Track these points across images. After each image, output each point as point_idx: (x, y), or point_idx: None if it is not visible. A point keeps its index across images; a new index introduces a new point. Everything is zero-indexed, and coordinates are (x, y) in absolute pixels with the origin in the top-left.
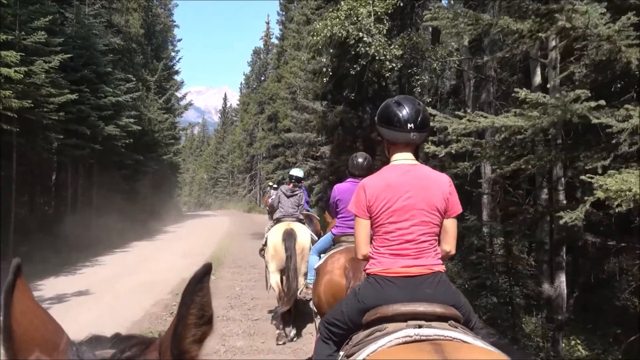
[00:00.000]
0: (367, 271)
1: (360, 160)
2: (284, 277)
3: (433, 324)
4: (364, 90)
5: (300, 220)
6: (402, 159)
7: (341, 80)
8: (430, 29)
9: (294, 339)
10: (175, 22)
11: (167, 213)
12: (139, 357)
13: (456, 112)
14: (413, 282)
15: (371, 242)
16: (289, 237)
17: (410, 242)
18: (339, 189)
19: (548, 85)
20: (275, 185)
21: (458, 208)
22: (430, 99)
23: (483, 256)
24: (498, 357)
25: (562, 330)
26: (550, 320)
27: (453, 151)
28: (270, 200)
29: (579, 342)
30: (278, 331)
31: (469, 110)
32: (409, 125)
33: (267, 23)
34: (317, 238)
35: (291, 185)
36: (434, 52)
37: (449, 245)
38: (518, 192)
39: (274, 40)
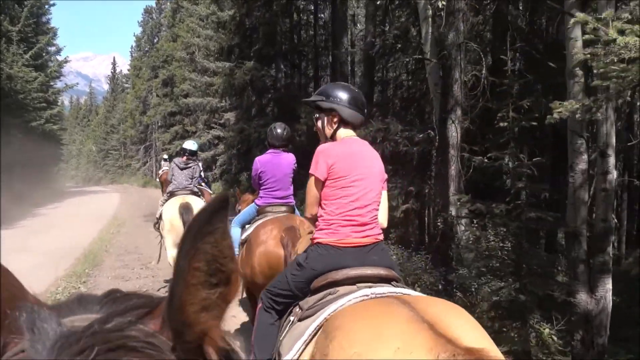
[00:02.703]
0: (318, 240)
1: (279, 130)
2: None
3: (379, 285)
4: (278, 43)
5: (195, 193)
6: (353, 134)
7: (251, 32)
8: None
9: None
10: None
11: (40, 191)
12: (128, 328)
13: None
14: (363, 250)
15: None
16: (187, 211)
17: (366, 209)
18: (260, 161)
19: None
20: (166, 157)
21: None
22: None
23: (471, 248)
24: (454, 306)
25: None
26: (590, 345)
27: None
28: (162, 173)
29: None
30: None
31: None
32: (364, 110)
33: None
34: None
35: (185, 158)
36: None
37: (384, 218)
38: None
39: None
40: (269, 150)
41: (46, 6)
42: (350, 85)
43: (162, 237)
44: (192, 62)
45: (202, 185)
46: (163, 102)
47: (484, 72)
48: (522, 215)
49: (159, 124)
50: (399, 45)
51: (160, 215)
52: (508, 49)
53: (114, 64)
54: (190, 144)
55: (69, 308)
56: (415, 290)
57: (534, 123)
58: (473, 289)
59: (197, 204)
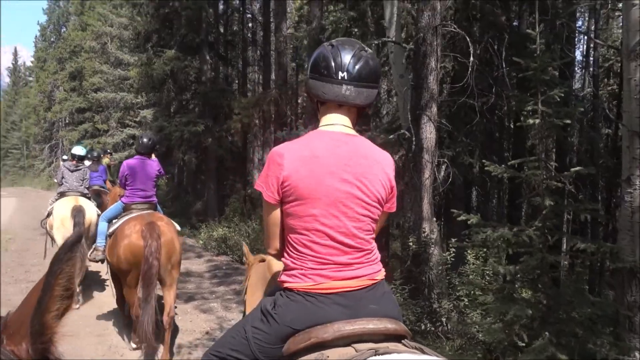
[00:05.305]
0: (288, 285)
1: (145, 140)
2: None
3: (389, 346)
4: (204, 31)
5: (84, 195)
6: (335, 123)
7: (172, 16)
8: None
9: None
10: None
11: None
12: None
13: None
14: (353, 296)
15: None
16: (79, 213)
17: (344, 244)
18: (127, 164)
19: None
20: (66, 158)
21: (395, 204)
22: None
23: (479, 285)
24: None
25: None
26: None
27: None
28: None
29: None
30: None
31: None
32: (340, 74)
33: None
34: (100, 212)
35: (74, 162)
36: None
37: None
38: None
39: None
40: (136, 156)
41: None
42: (343, 40)
43: (49, 234)
44: (104, 54)
45: (102, 187)
46: (70, 97)
47: (471, 59)
48: (560, 244)
49: (66, 121)
50: (356, 30)
51: (49, 213)
52: (537, 22)
53: (15, 54)
54: (79, 150)
55: None
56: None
57: (568, 121)
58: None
59: (88, 206)
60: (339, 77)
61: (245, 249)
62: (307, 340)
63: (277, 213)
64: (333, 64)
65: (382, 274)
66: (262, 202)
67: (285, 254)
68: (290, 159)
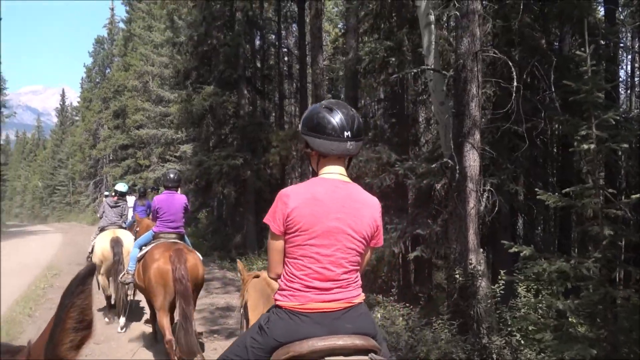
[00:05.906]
0: (278, 303)
1: (172, 175)
2: (111, 278)
3: (353, 359)
4: (241, 67)
5: (123, 228)
6: (334, 172)
7: (211, 54)
8: None
9: (124, 329)
10: None
11: None
12: None
13: None
14: (330, 316)
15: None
16: (117, 244)
17: (331, 271)
18: (157, 199)
19: None
20: (107, 194)
21: (382, 240)
22: None
23: (535, 321)
24: None
25: None
26: None
27: None
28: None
29: None
30: (107, 320)
31: None
32: (345, 133)
33: (112, 9)
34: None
35: (115, 198)
36: None
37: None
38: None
39: (121, 25)
40: (165, 191)
41: None
42: (333, 102)
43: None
44: (146, 92)
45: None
46: (114, 134)
47: (514, 84)
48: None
49: (110, 157)
50: (393, 59)
51: (92, 248)
52: (587, 43)
53: (62, 95)
54: (121, 186)
55: None
56: None
57: (625, 145)
58: None
59: (126, 237)
60: (345, 136)
61: (240, 266)
62: (287, 354)
63: (280, 243)
64: (337, 125)
65: (360, 298)
66: (269, 237)
67: (282, 276)
68: (295, 199)
